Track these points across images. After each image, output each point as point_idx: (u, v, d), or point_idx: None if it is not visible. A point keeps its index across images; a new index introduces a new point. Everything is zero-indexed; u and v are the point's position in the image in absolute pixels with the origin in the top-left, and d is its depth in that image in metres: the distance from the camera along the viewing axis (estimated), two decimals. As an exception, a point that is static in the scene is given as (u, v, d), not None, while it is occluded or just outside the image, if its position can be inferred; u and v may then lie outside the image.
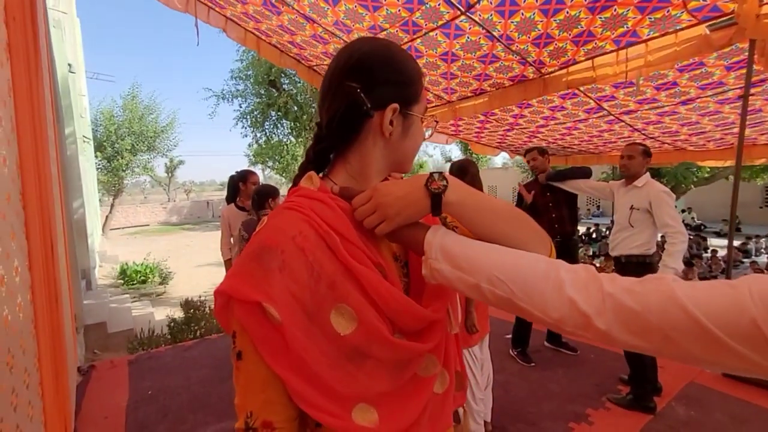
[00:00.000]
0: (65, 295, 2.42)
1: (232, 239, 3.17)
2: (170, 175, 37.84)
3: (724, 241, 2.59)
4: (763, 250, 11.47)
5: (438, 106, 3.94)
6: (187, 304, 4.82)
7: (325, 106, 0.63)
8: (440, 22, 2.49)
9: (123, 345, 4.49)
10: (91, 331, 4.73)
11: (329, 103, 0.62)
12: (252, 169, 3.78)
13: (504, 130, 4.93)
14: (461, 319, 1.93)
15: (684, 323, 0.39)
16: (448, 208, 0.58)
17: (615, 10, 2.19)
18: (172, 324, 4.49)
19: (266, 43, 3.28)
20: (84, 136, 8.06)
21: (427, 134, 0.69)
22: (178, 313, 4.91)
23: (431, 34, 2.63)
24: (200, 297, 5.19)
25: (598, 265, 9.38)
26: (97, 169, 14.76)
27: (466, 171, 2.23)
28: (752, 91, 2.80)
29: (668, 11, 2.16)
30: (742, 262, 9.99)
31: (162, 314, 5.97)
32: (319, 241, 0.54)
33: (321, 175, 0.65)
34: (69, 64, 5.71)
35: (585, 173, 3.18)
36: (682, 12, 2.16)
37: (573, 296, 0.46)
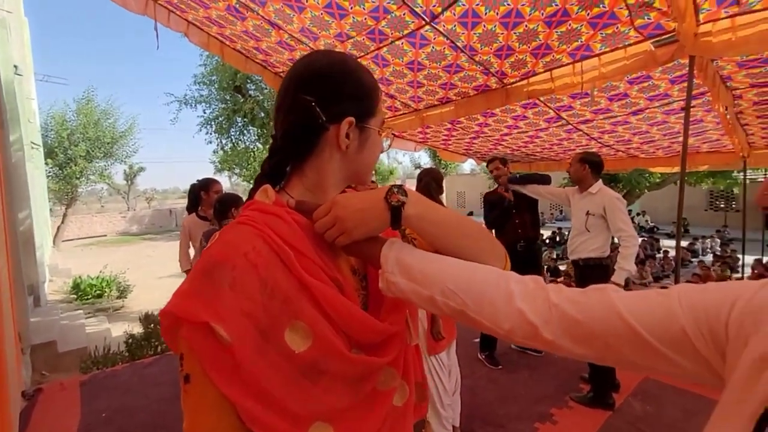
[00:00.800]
0: (7, 314, 2.24)
1: (193, 250, 3.05)
2: (130, 182, 36.00)
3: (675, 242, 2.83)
4: (708, 250, 12.33)
5: (405, 113, 3.99)
6: (147, 319, 4.58)
7: (280, 119, 0.62)
8: (405, 32, 2.53)
9: (75, 365, 4.19)
10: (39, 351, 4.38)
11: (284, 115, 0.61)
12: (216, 177, 3.68)
13: (470, 138, 5.05)
14: (428, 326, 1.94)
15: (622, 331, 0.42)
16: (408, 222, 0.58)
17: (570, 25, 2.31)
18: (131, 340, 4.25)
19: (230, 49, 3.21)
20: (32, 142, 7.54)
21: (384, 146, 0.69)
22: (137, 329, 4.65)
23: (397, 42, 2.67)
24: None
25: (562, 268, 9.75)
26: (48, 176, 13.84)
27: (419, 179, 2.35)
28: (693, 103, 3.02)
29: (617, 28, 2.30)
30: (691, 261, 10.70)
31: (119, 330, 5.64)
32: (273, 256, 0.53)
33: (277, 188, 0.64)
34: (15, 66, 5.34)
35: (545, 180, 3.31)
36: (630, 29, 2.30)
37: (522, 307, 0.48)
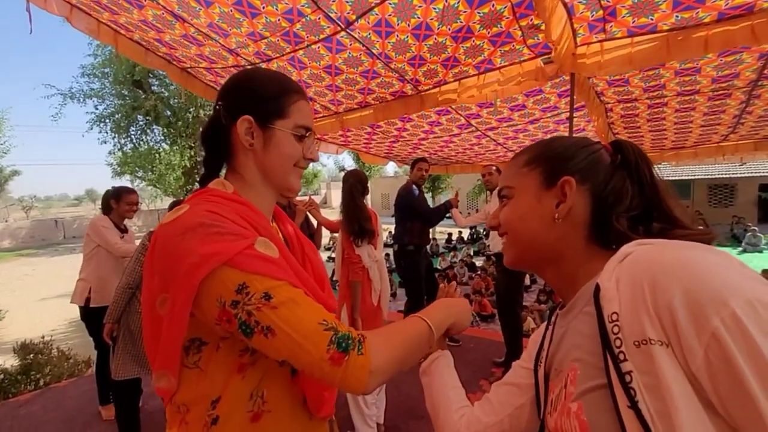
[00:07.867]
0: None
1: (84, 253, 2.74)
2: (-1, 189, 30.28)
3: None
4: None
5: (326, 116, 3.97)
6: (24, 349, 3.89)
7: None
8: (321, 36, 2.52)
9: None
10: None
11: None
12: (116, 180, 3.35)
13: (390, 142, 5.21)
14: (348, 323, 1.96)
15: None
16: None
17: (474, 41, 2.52)
18: (2, 376, 3.58)
19: (126, 38, 2.88)
20: None
21: (312, 151, 0.76)
22: (12, 361, 3.94)
23: (313, 46, 2.65)
24: (44, 337, 4.23)
25: (479, 264, 10.50)
26: None
27: (344, 181, 2.52)
28: (576, 114, 3.50)
29: (513, 45, 2.57)
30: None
31: (-14, 366, 4.70)
32: (253, 232, 0.62)
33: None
34: None
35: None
36: (523, 47, 2.59)
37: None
